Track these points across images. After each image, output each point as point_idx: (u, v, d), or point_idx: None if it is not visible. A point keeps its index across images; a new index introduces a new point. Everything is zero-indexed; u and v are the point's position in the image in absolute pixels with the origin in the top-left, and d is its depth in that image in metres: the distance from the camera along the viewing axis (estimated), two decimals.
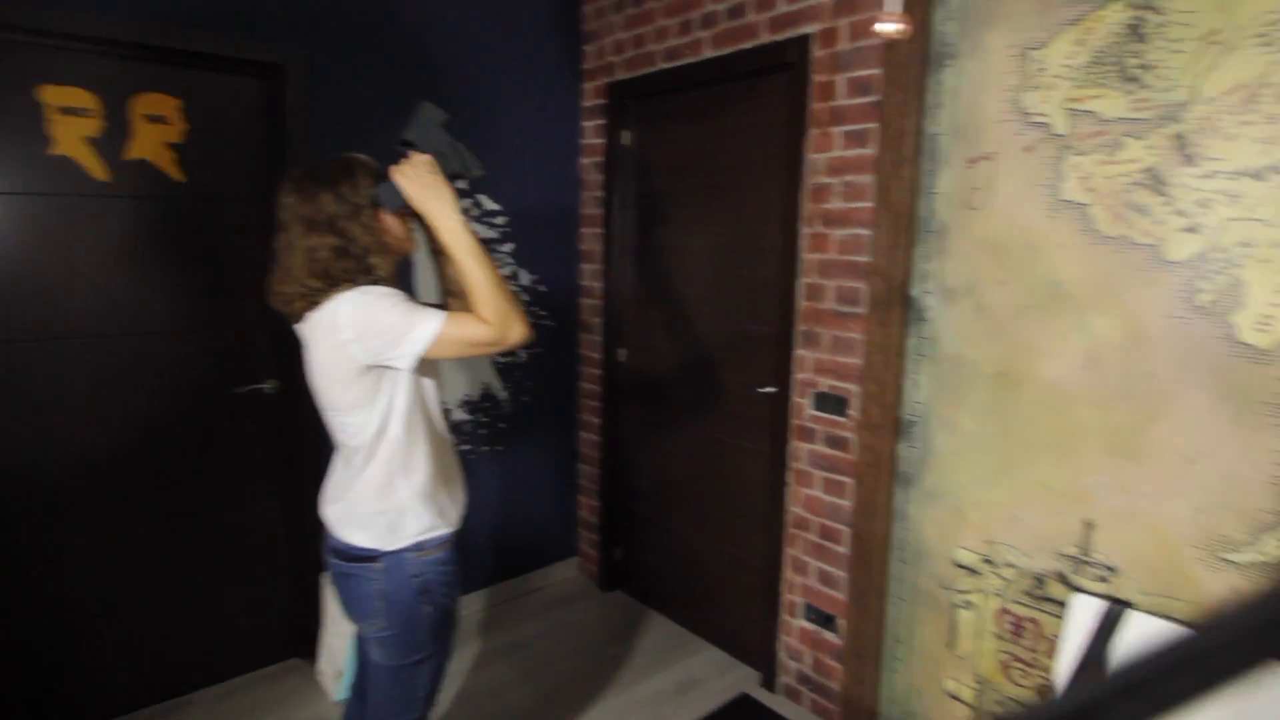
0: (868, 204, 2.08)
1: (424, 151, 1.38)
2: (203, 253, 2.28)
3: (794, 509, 2.36)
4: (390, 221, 1.40)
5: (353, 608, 1.47)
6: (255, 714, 2.30)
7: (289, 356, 2.14)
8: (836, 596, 2.25)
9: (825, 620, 2.29)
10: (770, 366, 2.42)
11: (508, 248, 2.88)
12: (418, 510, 1.42)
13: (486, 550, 2.96)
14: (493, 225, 2.83)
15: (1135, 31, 1.61)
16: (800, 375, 2.30)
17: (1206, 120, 1.52)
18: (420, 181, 1.36)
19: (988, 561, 1.92)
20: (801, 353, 2.29)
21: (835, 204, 2.17)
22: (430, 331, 1.30)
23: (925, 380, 2.03)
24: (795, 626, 2.38)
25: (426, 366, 1.40)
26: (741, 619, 2.62)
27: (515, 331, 1.35)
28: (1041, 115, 1.76)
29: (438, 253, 1.51)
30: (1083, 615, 1.41)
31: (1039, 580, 1.81)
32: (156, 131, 2.16)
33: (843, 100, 2.13)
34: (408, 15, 2.53)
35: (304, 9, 2.31)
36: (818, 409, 2.26)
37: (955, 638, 2.01)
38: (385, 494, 1.41)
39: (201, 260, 2.28)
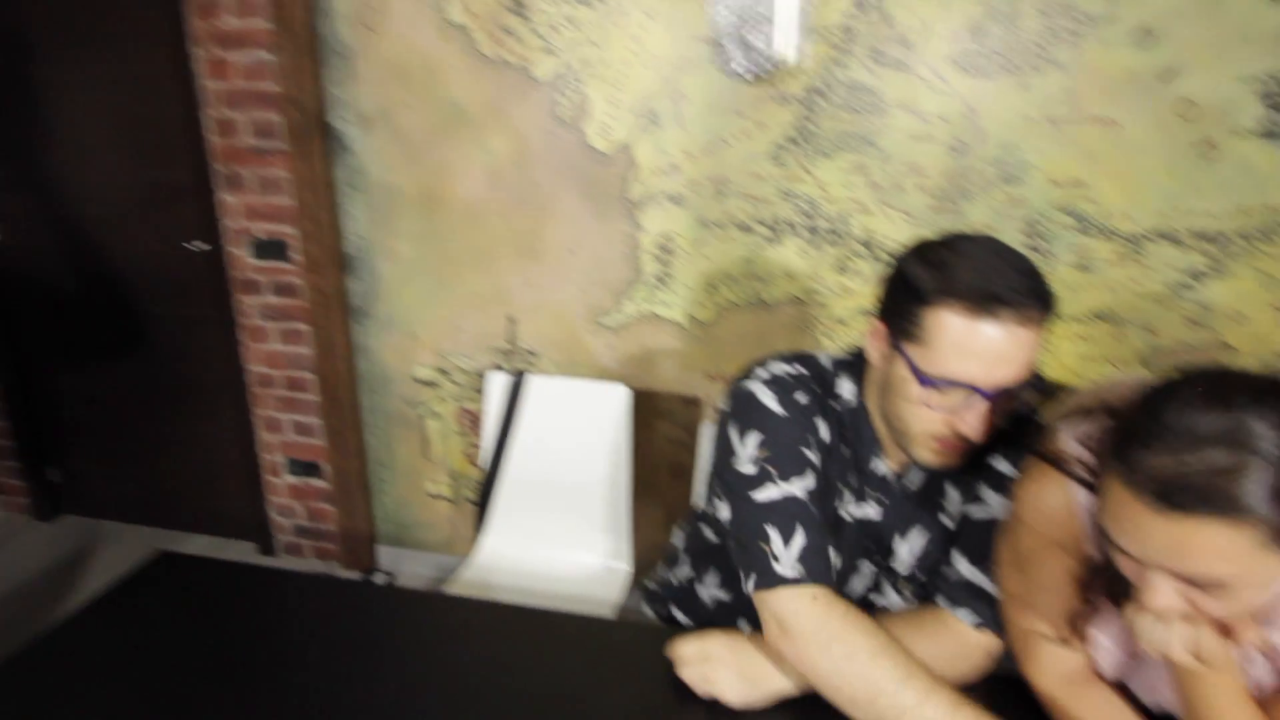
0: (265, 23, 1.89)
1: None
2: None
3: (255, 368, 2.22)
4: None
5: None
6: None
7: None
8: (316, 444, 2.25)
9: (309, 469, 2.28)
10: (197, 219, 2.14)
11: None
12: None
13: None
14: None
15: None
16: (231, 224, 2.09)
17: None
18: None
19: (442, 372, 2.12)
20: (227, 198, 2.07)
21: (228, 22, 1.92)
22: None
23: (360, 212, 2.03)
24: (281, 485, 2.32)
25: None
26: (225, 497, 2.44)
27: None
28: None
29: None
30: (496, 390, 1.67)
31: (482, 376, 2.08)
32: None
33: None
34: None
35: None
36: (258, 258, 2.11)
37: (428, 446, 2.21)
38: None
39: None
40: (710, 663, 0.86)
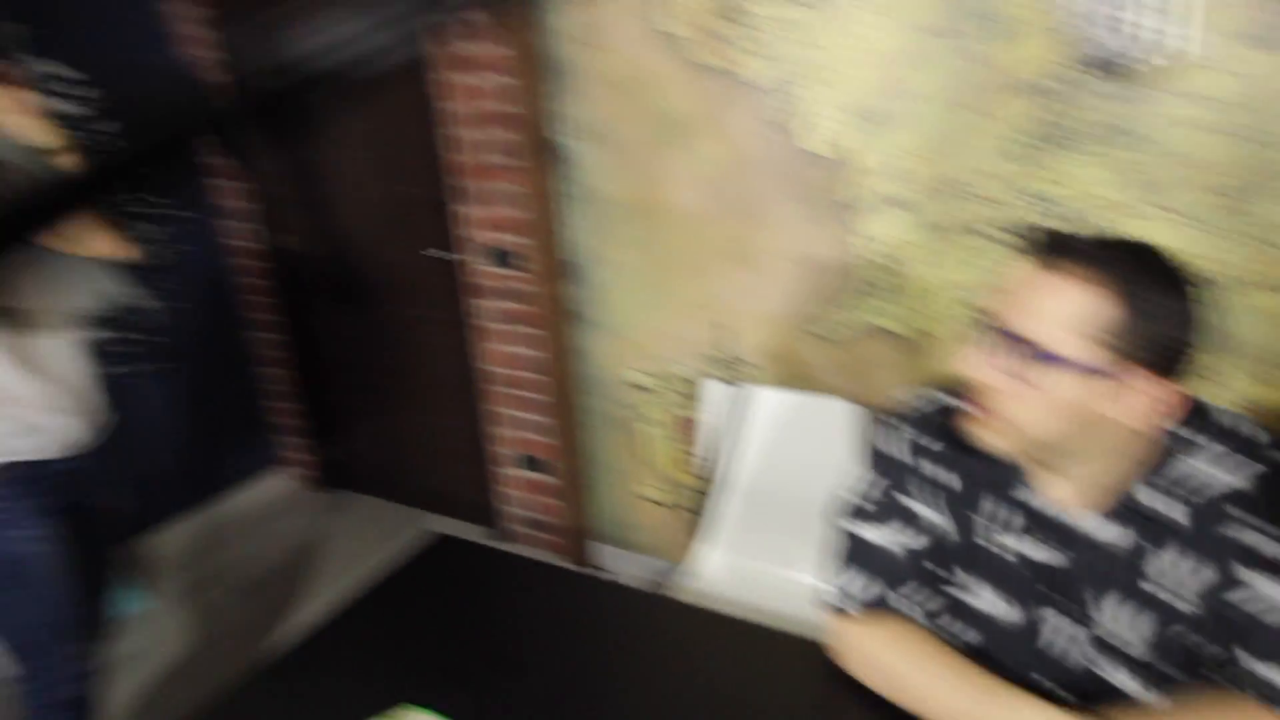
0: (495, 47, 2.02)
1: None
2: None
3: (487, 366, 2.42)
4: None
5: None
6: None
7: None
8: (539, 439, 2.40)
9: (535, 464, 2.45)
10: (439, 229, 2.37)
11: (110, 127, 2.38)
12: None
13: (168, 478, 2.67)
14: (78, 99, 2.31)
15: None
16: (469, 234, 2.28)
17: None
18: None
19: (654, 376, 2.16)
20: (467, 210, 2.26)
21: (462, 47, 2.07)
22: None
23: (582, 222, 2.12)
24: (508, 476, 2.52)
25: None
26: (460, 482, 2.70)
27: None
28: None
29: None
30: (711, 397, 1.66)
31: (693, 383, 2.09)
32: None
33: None
34: None
35: None
36: (492, 265, 2.28)
37: (639, 449, 2.27)
38: None
39: None
40: None
